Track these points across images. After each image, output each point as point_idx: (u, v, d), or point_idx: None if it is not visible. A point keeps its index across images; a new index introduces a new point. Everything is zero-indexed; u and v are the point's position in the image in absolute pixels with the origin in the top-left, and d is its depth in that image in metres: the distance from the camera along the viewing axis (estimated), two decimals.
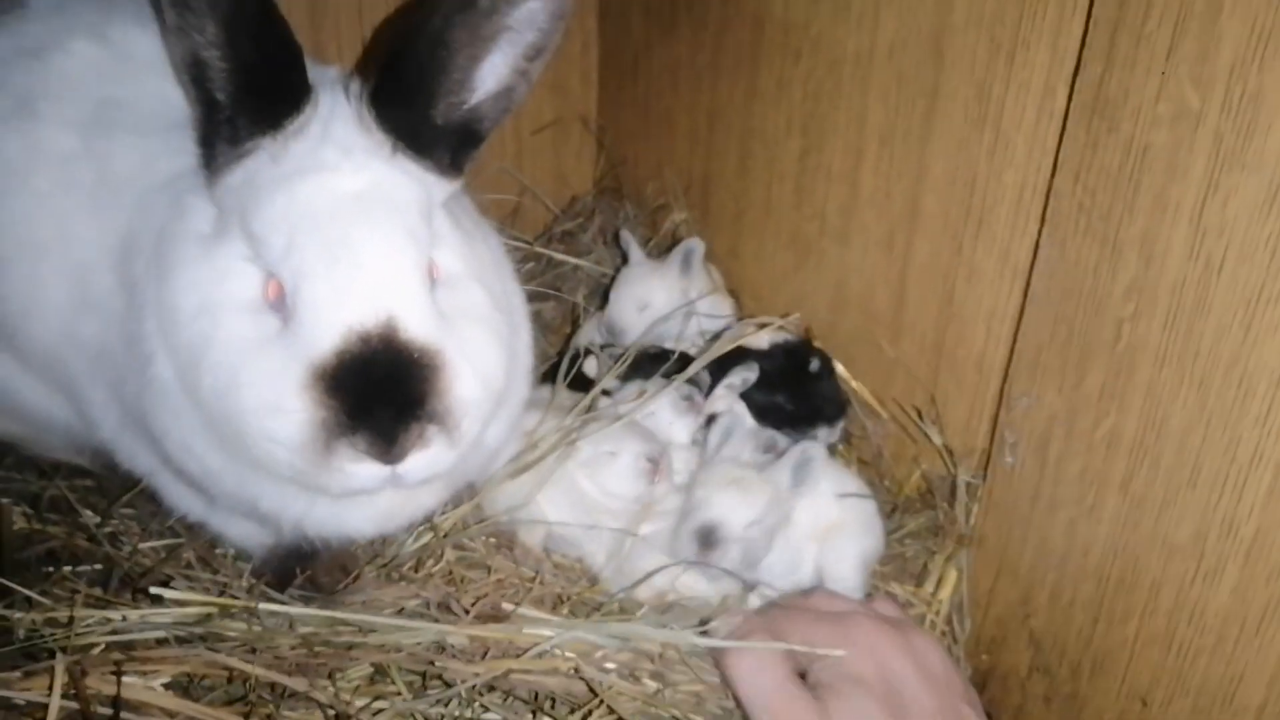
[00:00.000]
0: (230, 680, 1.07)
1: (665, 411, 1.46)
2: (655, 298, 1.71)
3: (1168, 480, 1.00)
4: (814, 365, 1.52)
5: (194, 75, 0.94)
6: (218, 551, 1.34)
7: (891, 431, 1.53)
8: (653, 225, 2.06)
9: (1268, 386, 0.89)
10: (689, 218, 1.99)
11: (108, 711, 1.00)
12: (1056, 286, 1.13)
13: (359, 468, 0.92)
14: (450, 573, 1.26)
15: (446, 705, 1.06)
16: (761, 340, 1.55)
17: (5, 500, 1.25)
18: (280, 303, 0.93)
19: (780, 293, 1.71)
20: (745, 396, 1.52)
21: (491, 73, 1.00)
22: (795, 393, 1.51)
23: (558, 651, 1.07)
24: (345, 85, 1.01)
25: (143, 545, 1.33)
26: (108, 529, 1.35)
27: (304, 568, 1.27)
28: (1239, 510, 0.94)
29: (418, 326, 0.92)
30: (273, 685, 1.05)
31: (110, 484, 1.45)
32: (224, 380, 0.93)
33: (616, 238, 1.94)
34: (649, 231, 2.05)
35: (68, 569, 1.24)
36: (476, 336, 1.00)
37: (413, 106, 0.99)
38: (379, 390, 0.90)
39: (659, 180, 2.05)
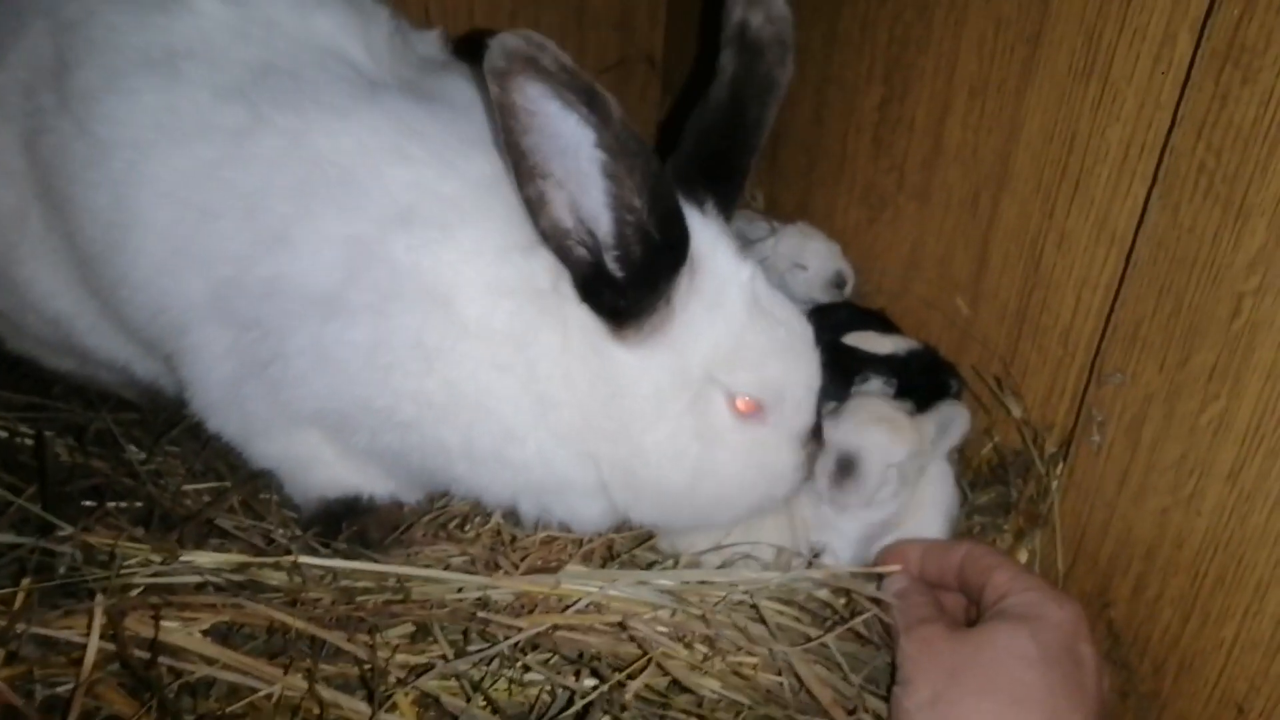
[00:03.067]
0: (270, 632, 1.04)
1: None
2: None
3: None
4: (954, 388, 1.38)
5: (582, 241, 0.95)
6: (262, 497, 1.31)
7: (965, 401, 1.44)
8: None
9: None
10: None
11: (145, 655, 0.98)
12: (1165, 254, 1.04)
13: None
14: (499, 532, 1.22)
15: (489, 664, 1.02)
16: (880, 344, 1.40)
17: (49, 432, 1.22)
18: (756, 413, 1.06)
19: (850, 250, 1.61)
20: None
21: None
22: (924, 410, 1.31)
23: (605, 604, 1.02)
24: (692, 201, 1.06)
25: (187, 487, 1.31)
26: (151, 466, 1.33)
27: (352, 521, 1.24)
28: None
29: None
30: (312, 639, 1.02)
31: (154, 419, 1.44)
32: (736, 488, 1.10)
33: None
34: None
35: (111, 505, 1.22)
36: None
37: (737, 194, 1.13)
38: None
39: None
